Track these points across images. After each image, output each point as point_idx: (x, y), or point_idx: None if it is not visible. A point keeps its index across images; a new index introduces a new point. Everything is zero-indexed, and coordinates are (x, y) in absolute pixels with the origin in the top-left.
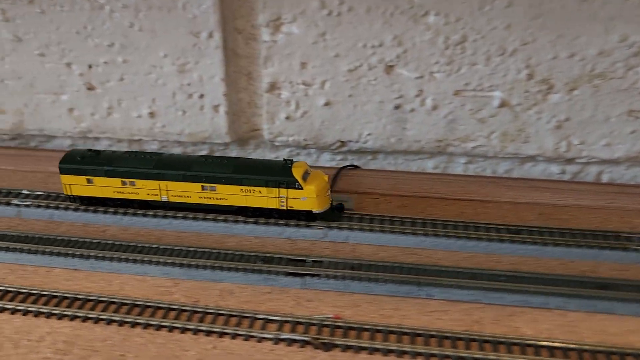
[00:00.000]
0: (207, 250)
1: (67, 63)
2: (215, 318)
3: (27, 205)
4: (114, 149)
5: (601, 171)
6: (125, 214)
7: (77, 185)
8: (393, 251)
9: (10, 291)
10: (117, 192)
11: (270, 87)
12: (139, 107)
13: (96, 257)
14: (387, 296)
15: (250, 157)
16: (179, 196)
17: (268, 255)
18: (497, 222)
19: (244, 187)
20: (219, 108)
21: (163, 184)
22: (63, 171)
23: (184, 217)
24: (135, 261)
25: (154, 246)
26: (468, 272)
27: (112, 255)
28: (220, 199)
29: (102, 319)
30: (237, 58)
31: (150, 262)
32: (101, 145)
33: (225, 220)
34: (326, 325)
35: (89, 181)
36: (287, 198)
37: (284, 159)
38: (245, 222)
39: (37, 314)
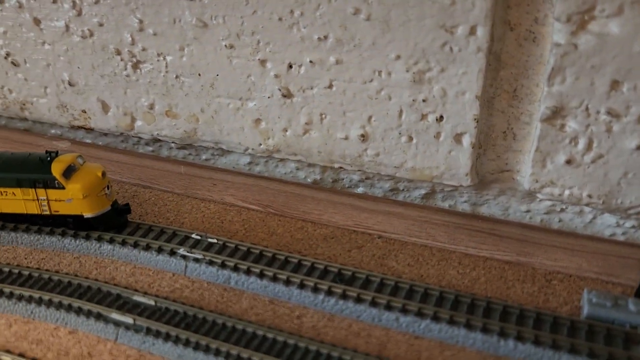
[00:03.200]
0: None
1: (261, 60)
2: None
3: (196, 260)
4: (302, 174)
5: None
6: (330, 293)
7: None
8: None
9: None
10: None
11: (552, 114)
12: (348, 125)
13: None
14: None
15: (8, 151)
16: None
17: None
18: None
19: None
20: (463, 138)
21: None
22: None
23: (419, 314)
24: None
25: None
26: None
27: None
28: None
29: None
30: (498, 67)
31: None
32: (287, 169)
33: (484, 330)
34: None
35: None
36: (47, 200)
37: (47, 151)
38: (518, 338)
39: None
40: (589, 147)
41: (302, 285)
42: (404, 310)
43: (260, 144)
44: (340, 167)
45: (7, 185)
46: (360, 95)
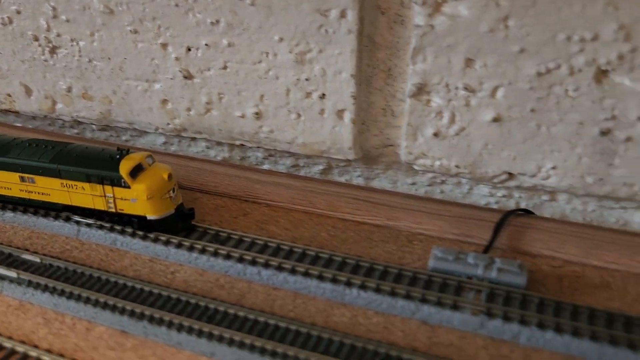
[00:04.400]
0: (303, 328)
1: (163, 43)
2: None
3: (87, 225)
4: (212, 153)
5: None
6: (204, 251)
7: None
8: None
9: (31, 356)
10: None
11: (418, 90)
12: (243, 104)
13: (151, 319)
14: None
15: (85, 144)
16: None
17: (392, 354)
18: None
19: (64, 181)
20: (344, 114)
21: None
22: None
23: (279, 268)
24: (200, 334)
25: (231, 311)
26: None
27: (172, 319)
28: (42, 193)
29: None
30: (374, 48)
31: (220, 339)
32: (199, 148)
33: (334, 281)
34: None
35: None
36: (114, 198)
37: (118, 148)
38: (362, 287)
39: None
40: (452, 120)
41: (179, 245)
42: (266, 265)
43: (168, 124)
44: (242, 144)
45: (77, 179)
46: (252, 75)
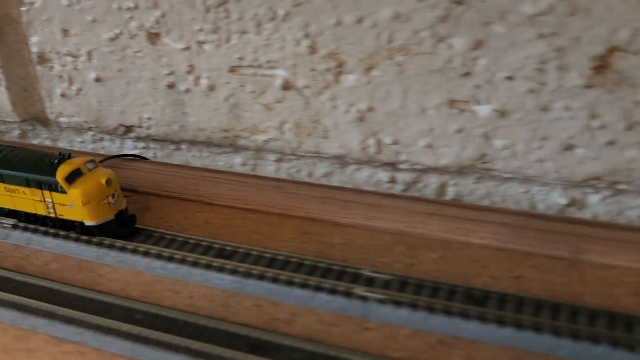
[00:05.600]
0: None
1: None
2: None
3: None
4: None
5: (444, 183)
6: None
7: None
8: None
9: None
10: None
11: (40, 59)
12: None
13: None
14: None
15: (32, 149)
16: None
17: None
18: (227, 241)
19: (7, 186)
20: (0, 83)
21: None
22: None
23: None
24: None
25: None
26: None
27: None
28: None
29: None
30: (16, 25)
31: None
32: None
33: None
34: None
35: None
36: (53, 203)
37: (60, 152)
38: None
39: None
40: (70, 82)
41: None
42: None
43: None
44: None
45: (18, 183)
46: None
